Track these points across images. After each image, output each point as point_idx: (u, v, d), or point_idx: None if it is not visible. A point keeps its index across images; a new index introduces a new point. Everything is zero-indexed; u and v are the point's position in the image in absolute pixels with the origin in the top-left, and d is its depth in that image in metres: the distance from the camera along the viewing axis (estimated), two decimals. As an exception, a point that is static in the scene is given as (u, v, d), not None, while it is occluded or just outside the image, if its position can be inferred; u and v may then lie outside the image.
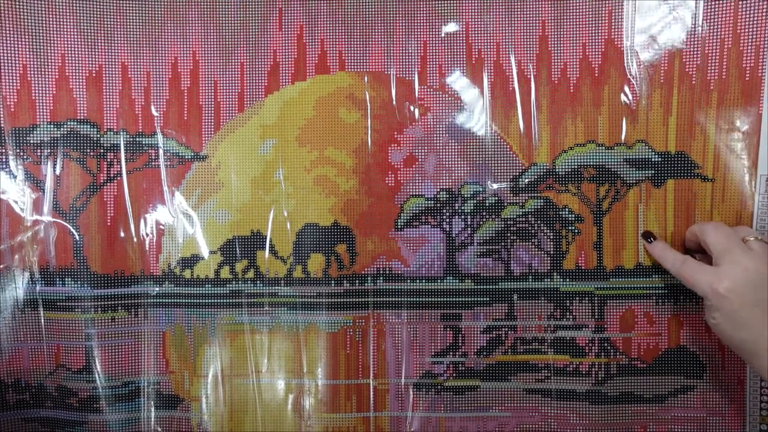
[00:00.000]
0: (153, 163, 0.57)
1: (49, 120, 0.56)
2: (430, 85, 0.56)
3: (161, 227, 0.57)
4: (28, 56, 0.55)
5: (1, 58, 0.55)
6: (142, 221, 0.57)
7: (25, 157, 0.55)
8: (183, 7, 0.56)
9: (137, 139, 0.57)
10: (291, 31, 0.56)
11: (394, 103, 0.57)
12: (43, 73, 0.55)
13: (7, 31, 0.55)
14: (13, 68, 0.55)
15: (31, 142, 0.55)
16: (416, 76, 0.56)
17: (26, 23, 0.55)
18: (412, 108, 0.57)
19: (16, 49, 0.55)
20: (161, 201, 0.57)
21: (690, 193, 0.55)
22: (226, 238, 0.57)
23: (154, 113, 0.56)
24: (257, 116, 0.57)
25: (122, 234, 0.57)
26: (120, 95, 0.56)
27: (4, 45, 0.55)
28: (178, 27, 0.56)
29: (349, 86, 0.57)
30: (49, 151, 0.56)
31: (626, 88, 0.55)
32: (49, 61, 0.55)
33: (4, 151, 0.55)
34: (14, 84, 0.55)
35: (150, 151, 0.57)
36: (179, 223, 0.57)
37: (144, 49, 0.56)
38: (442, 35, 0.56)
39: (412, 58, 0.56)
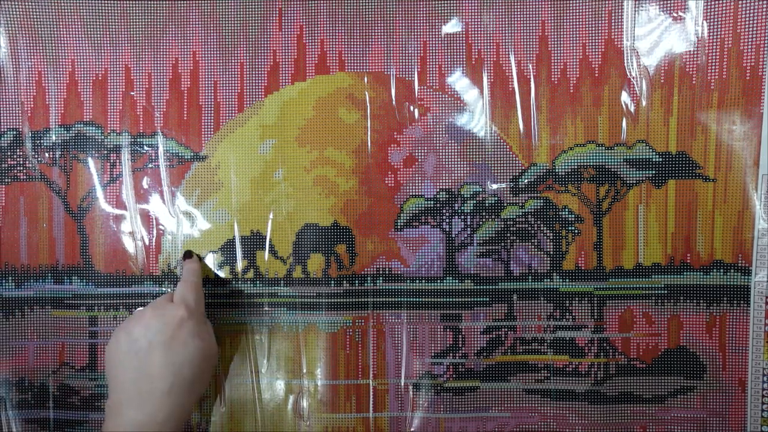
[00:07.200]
0: (153, 163, 0.57)
1: (59, 123, 0.57)
2: (429, 85, 0.56)
3: (160, 227, 0.57)
4: (42, 63, 0.57)
5: (21, 66, 0.57)
6: (142, 221, 0.57)
7: (39, 159, 0.57)
8: (183, 8, 0.56)
9: (138, 140, 0.57)
10: (291, 31, 0.56)
11: (393, 103, 0.57)
12: (55, 78, 0.57)
13: (24, 40, 0.56)
14: (30, 75, 0.57)
15: (44, 144, 0.57)
16: (416, 76, 0.56)
17: (39, 31, 0.56)
18: (411, 108, 0.57)
19: (32, 56, 0.57)
20: (161, 201, 0.57)
21: (691, 193, 0.55)
22: (226, 238, 0.57)
23: (155, 114, 0.57)
24: (257, 116, 0.57)
25: (123, 234, 0.57)
26: (123, 97, 0.57)
27: (22, 54, 0.56)
28: (179, 28, 0.56)
29: (349, 86, 0.57)
30: (60, 153, 0.57)
31: (626, 88, 0.55)
32: (60, 66, 0.57)
33: (23, 154, 0.57)
34: (31, 90, 0.57)
35: (150, 151, 0.57)
36: (179, 223, 0.57)
37: (146, 51, 0.57)
38: (442, 35, 0.56)
39: (412, 58, 0.56)
